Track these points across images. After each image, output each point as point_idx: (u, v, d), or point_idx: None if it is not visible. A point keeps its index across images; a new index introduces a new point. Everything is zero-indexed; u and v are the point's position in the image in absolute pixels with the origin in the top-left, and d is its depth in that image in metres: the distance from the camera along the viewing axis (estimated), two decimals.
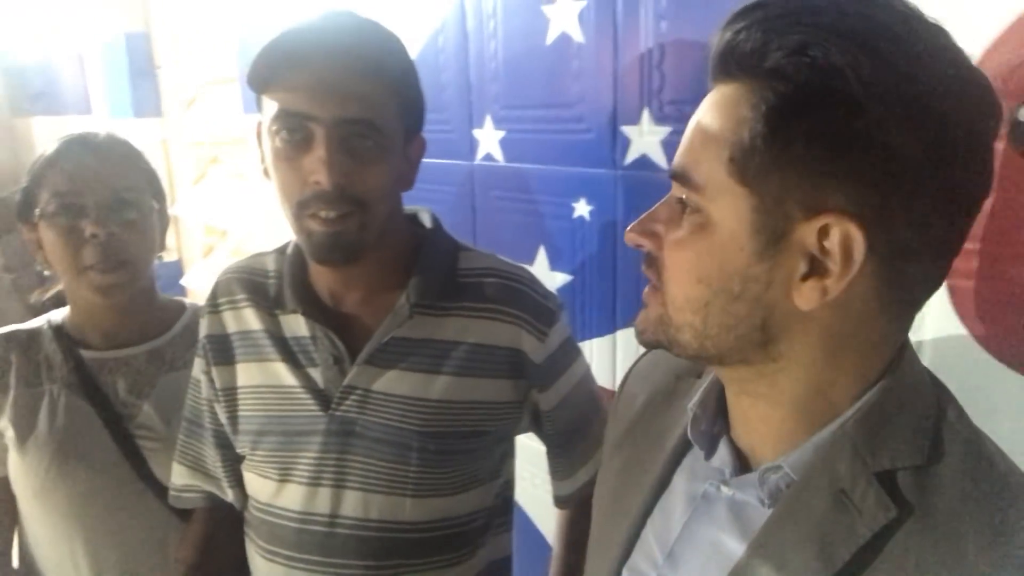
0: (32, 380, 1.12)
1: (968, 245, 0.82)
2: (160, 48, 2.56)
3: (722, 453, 0.63)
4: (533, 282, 0.98)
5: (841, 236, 0.48)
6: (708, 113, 0.53)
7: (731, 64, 0.51)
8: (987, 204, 0.74)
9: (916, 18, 0.49)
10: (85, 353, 1.16)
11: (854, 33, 0.47)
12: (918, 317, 0.88)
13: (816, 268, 0.50)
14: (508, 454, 1.04)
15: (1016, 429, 0.74)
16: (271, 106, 0.83)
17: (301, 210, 0.84)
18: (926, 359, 0.86)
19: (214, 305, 1.00)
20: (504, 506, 1.05)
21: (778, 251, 0.50)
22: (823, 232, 0.49)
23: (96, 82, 2.81)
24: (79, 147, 1.11)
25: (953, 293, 0.82)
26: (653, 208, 0.58)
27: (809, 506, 0.53)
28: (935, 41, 0.49)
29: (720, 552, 0.59)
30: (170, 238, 2.74)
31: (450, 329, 0.92)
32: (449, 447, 0.91)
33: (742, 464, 0.62)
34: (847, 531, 0.51)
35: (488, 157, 1.35)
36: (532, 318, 0.94)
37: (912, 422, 0.53)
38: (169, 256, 2.74)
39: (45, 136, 3.23)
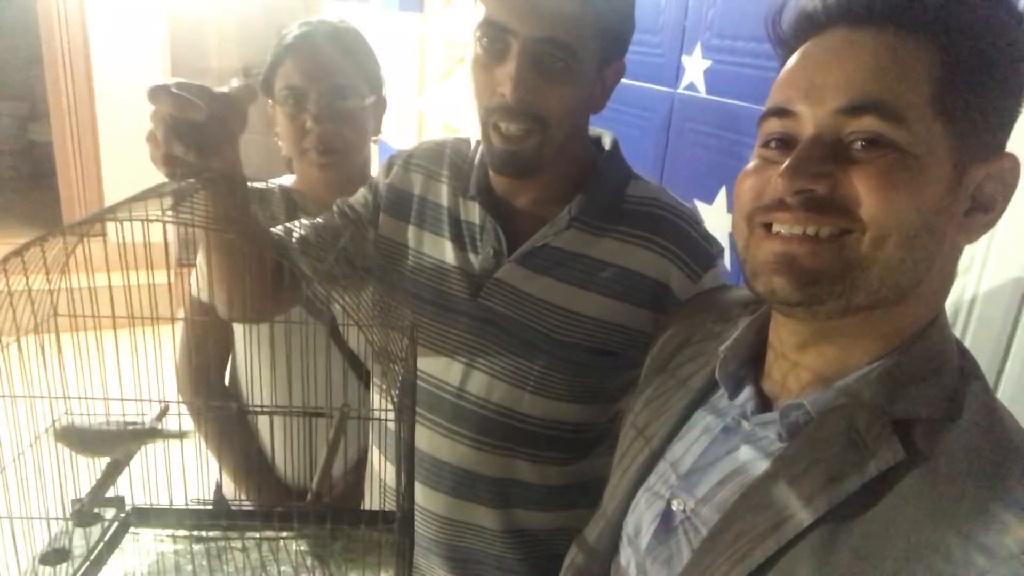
0: None
1: None
2: None
3: (747, 393, 0.66)
4: (697, 223, 0.96)
5: (1009, 171, 0.55)
6: (880, 51, 0.54)
7: (884, 13, 0.54)
8: None
9: None
10: (303, 218, 1.32)
11: None
12: None
13: (976, 204, 0.55)
14: (636, 383, 1.05)
15: None
16: (479, 12, 0.87)
17: (487, 116, 0.89)
18: None
19: (409, 163, 1.06)
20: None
21: (959, 186, 0.54)
22: (995, 170, 0.54)
23: None
24: (309, 41, 1.24)
25: None
26: (808, 148, 0.55)
27: (824, 442, 0.56)
28: None
29: (733, 478, 0.62)
30: (411, 130, 2.98)
31: (603, 249, 0.94)
32: (574, 357, 0.94)
33: (765, 406, 0.64)
34: (856, 467, 0.53)
35: (691, 87, 1.30)
36: (687, 256, 0.93)
37: (934, 382, 0.56)
38: (407, 143, 2.95)
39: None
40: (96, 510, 0.81)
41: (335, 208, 1.08)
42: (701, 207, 1.27)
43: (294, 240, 0.99)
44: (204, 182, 0.73)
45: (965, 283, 0.84)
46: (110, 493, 0.79)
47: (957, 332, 0.85)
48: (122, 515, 0.84)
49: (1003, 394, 0.81)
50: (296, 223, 1.07)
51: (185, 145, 0.72)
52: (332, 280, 0.98)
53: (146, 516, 0.85)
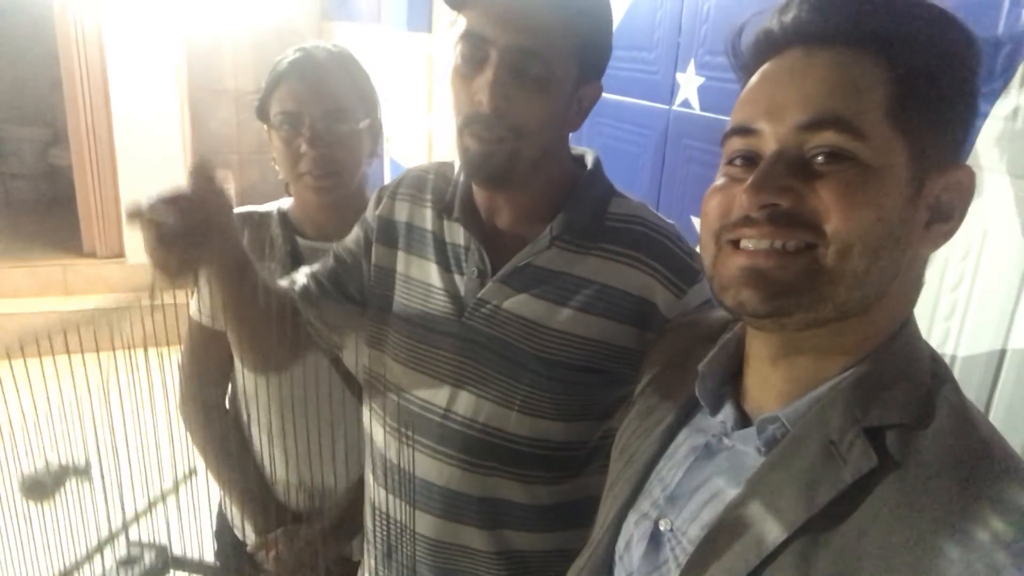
0: (258, 255, 1.31)
1: None
2: None
3: (727, 410, 0.67)
4: (679, 239, 0.96)
5: (966, 181, 0.56)
6: (835, 69, 0.56)
7: (839, 33, 0.56)
8: None
9: None
10: (300, 240, 1.34)
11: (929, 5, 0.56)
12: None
13: (935, 214, 0.56)
14: (627, 401, 1.04)
15: None
16: (460, 25, 0.89)
17: (463, 127, 0.90)
18: None
19: (396, 192, 1.08)
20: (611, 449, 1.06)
21: (918, 198, 0.55)
22: (952, 180, 0.56)
23: None
24: (304, 66, 1.26)
25: None
26: (771, 164, 0.56)
27: (800, 454, 0.57)
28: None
29: (717, 495, 0.63)
30: (420, 148, 3.00)
31: (586, 267, 0.94)
32: (559, 375, 0.94)
33: (744, 422, 0.66)
34: (831, 477, 0.55)
35: (685, 104, 1.30)
36: (670, 272, 0.93)
37: (905, 387, 0.56)
38: (416, 161, 2.98)
39: (342, 40, 3.64)
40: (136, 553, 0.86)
41: (332, 253, 1.11)
42: (698, 223, 1.27)
43: (296, 290, 1.04)
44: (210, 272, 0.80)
45: (955, 299, 0.83)
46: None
47: (949, 348, 0.84)
48: (160, 564, 0.86)
49: (996, 409, 0.80)
50: (296, 274, 1.12)
51: (172, 249, 0.77)
52: (337, 326, 1.06)
53: (180, 566, 0.88)
